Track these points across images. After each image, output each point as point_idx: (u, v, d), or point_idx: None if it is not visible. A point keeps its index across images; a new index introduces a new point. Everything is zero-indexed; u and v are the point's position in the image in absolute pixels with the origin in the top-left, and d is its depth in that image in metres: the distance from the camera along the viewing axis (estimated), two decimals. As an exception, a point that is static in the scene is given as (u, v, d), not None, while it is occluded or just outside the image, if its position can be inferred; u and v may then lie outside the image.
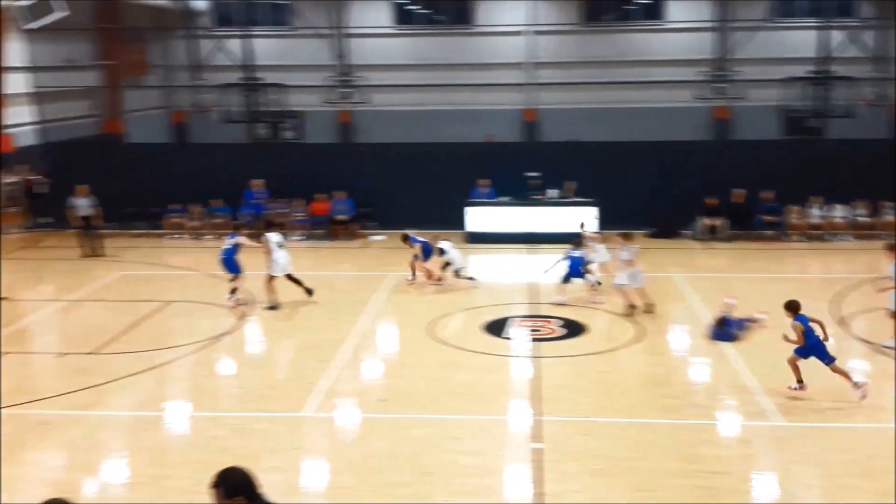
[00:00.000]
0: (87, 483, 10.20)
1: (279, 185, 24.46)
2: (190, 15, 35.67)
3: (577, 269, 17.29)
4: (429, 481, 9.97)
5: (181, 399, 13.03)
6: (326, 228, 24.23)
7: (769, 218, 23.36)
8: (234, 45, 32.78)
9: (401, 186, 24.42)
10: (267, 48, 36.54)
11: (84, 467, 10.57)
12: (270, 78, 32.56)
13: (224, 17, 38.73)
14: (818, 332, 12.08)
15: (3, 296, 18.05)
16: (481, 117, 36.74)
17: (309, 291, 17.47)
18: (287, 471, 10.36)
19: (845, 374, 12.11)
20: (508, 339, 15.28)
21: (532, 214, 23.18)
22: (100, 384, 13.12)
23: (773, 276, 19.82)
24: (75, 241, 22.23)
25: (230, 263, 17.43)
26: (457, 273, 18.73)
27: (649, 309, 16.43)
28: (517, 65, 38.29)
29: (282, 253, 17.21)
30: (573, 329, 15.76)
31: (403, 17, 39.19)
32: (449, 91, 38.10)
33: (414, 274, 18.85)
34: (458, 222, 23.55)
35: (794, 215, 23.34)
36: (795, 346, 12.06)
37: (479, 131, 32.86)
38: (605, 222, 22.66)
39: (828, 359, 12.03)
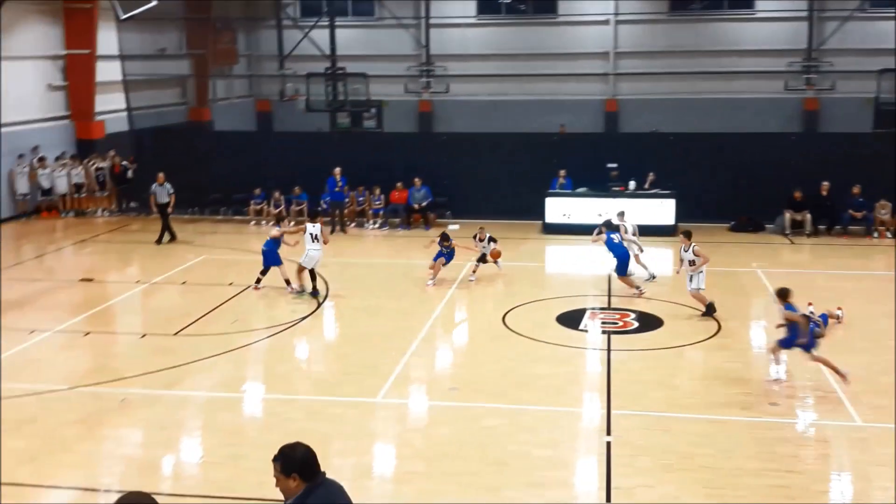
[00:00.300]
0: (164, 461, 10.52)
1: (359, 173, 24.70)
2: (278, 5, 36.23)
3: (624, 259, 17.15)
4: (499, 471, 9.98)
5: (258, 382, 13.32)
6: (403, 217, 24.40)
7: (856, 213, 22.63)
8: (320, 34, 33.17)
9: (479, 176, 24.43)
10: (351, 38, 36.88)
11: (163, 445, 10.89)
12: (353, 68, 32.83)
13: (310, 8, 39.23)
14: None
15: (88, 277, 18.72)
16: (562, 107, 36.43)
17: (314, 293, 17.22)
18: (359, 454, 10.51)
19: (827, 363, 12.15)
20: (583, 331, 15.17)
21: (611, 205, 22.89)
22: (180, 365, 13.48)
23: (859, 273, 19.17)
24: (154, 226, 22.76)
25: (266, 255, 17.50)
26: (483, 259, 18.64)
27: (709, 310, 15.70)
28: (600, 54, 37.84)
29: (315, 246, 17.07)
30: (649, 323, 15.55)
31: (486, 6, 39.10)
32: (529, 81, 37.91)
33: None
34: (535, 213, 23.44)
35: (882, 211, 22.55)
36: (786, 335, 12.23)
37: (558, 122, 32.64)
38: (685, 215, 22.30)
39: (808, 347, 12.17)
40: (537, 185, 23.72)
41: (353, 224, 24.52)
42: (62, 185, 25.87)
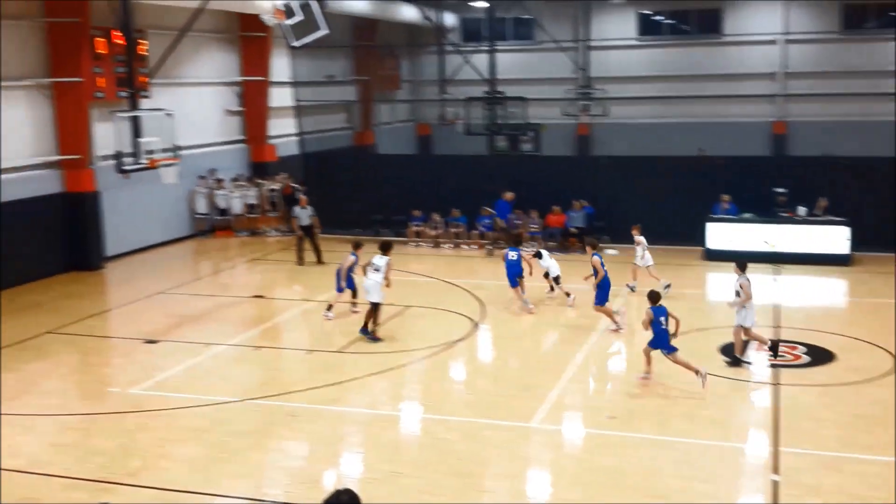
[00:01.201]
0: (326, 475, 10.87)
1: (516, 196, 24.82)
2: (441, 32, 37.09)
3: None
4: (659, 505, 9.76)
5: (416, 401, 13.57)
6: (559, 240, 24.29)
7: None
8: (480, 59, 33.72)
9: (637, 200, 24.02)
10: (510, 62, 37.25)
11: (325, 459, 11.26)
12: (512, 91, 33.16)
13: (471, 34, 39.97)
14: (671, 326, 13.27)
15: (259, 294, 19.61)
16: (725, 130, 35.45)
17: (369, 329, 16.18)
18: (514, 478, 10.52)
19: (686, 365, 12.94)
20: (748, 363, 14.60)
21: (778, 232, 22.03)
22: (342, 381, 13.92)
23: None
24: (296, 247, 23.01)
25: (346, 279, 17.34)
26: (556, 281, 18.53)
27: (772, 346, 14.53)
28: (766, 75, 36.61)
29: (375, 276, 15.94)
30: (819, 356, 14.82)
31: (648, 27, 38.62)
32: (691, 103, 37.10)
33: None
34: (697, 238, 22.84)
35: None
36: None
37: (721, 145, 31.71)
38: (860, 244, 21.17)
39: (668, 349, 13.14)
40: (699, 209, 23.10)
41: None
42: (237, 206, 27.26)
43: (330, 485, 10.63)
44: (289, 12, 20.53)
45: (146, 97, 21.50)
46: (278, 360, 15.68)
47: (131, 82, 17.87)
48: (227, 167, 28.03)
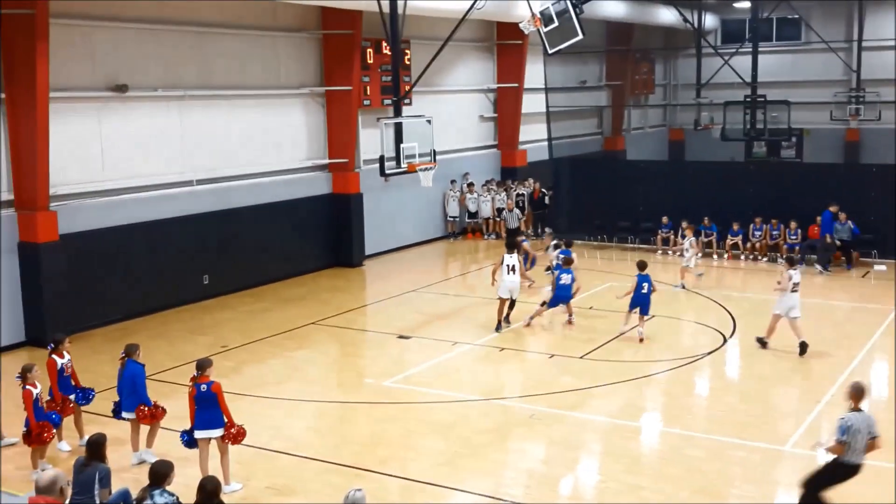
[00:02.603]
0: (564, 480, 10.94)
1: (773, 205, 23.61)
2: (699, 34, 36.02)
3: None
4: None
5: (660, 413, 13.32)
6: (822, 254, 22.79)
7: None
8: (740, 61, 32.44)
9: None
10: (773, 64, 35.53)
11: (564, 464, 11.34)
12: (774, 95, 31.61)
13: (732, 35, 38.52)
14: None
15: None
16: None
17: (500, 325, 17.27)
18: (758, 501, 10.08)
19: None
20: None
21: None
22: (585, 388, 13.93)
23: None
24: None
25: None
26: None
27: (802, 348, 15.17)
28: None
29: (511, 277, 17.08)
30: None
31: (930, 25, 35.37)
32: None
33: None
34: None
35: None
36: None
37: None
38: None
39: (646, 313, 16.37)
40: None
41: (765, 259, 23.51)
42: (486, 209, 27.98)
43: (566, 490, 10.70)
44: (546, 20, 20.76)
45: (408, 104, 22.64)
46: (521, 362, 15.94)
47: (396, 90, 18.83)
48: (479, 171, 28.81)
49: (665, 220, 25.01)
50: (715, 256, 24.03)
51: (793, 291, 15.39)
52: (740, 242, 23.78)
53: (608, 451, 11.76)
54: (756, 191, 24.35)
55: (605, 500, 10.35)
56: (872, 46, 35.08)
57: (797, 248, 22.98)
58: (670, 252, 24.33)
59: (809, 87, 35.94)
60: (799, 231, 23.19)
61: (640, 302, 16.39)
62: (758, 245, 23.66)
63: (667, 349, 15.92)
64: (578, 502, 10.38)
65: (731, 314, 17.98)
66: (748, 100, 30.81)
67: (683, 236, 21.84)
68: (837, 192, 23.12)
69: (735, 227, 23.78)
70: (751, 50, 31.20)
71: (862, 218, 22.50)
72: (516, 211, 23.59)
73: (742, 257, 23.68)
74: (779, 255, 23.29)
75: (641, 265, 16.72)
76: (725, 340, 16.47)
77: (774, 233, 23.54)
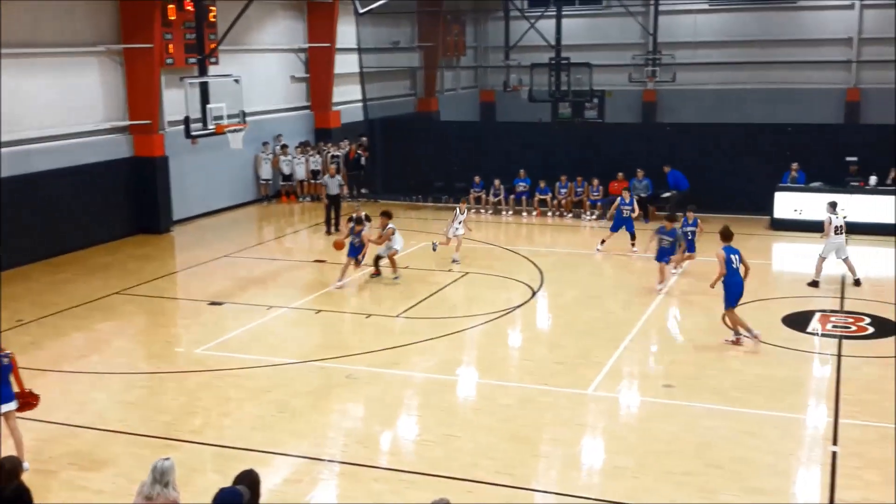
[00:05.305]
0: (384, 436, 11.05)
1: (578, 163, 24.62)
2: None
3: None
4: (717, 474, 9.70)
5: (473, 366, 13.67)
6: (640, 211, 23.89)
7: None
8: (546, 24, 33.37)
9: (704, 168, 23.64)
10: (576, 27, 36.79)
11: (383, 421, 11.45)
12: (577, 57, 32.78)
13: (538, -1, 39.53)
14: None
15: (321, 259, 19.87)
16: (797, 97, 34.56)
17: (377, 273, 18.11)
18: (569, 445, 10.57)
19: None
20: (812, 334, 14.38)
21: (847, 202, 21.45)
22: (401, 346, 14.09)
23: None
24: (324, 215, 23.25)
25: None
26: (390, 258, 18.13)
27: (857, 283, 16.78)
28: (842, 41, 35.50)
29: (397, 237, 17.93)
30: (885, 328, 14.50)
31: (719, -8, 37.70)
32: (762, 69, 36.20)
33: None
34: (764, 208, 22.43)
35: None
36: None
37: (793, 112, 30.94)
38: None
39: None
40: (766, 178, 22.66)
41: (570, 215, 24.50)
42: (301, 172, 27.56)
43: (386, 446, 10.82)
44: (356, -21, 20.55)
45: (214, 63, 21.82)
46: (338, 323, 15.90)
47: (201, 48, 18.11)
48: (292, 133, 28.31)
49: (477, 179, 25.53)
50: (524, 214, 24.81)
51: (836, 234, 16.68)
52: (548, 200, 24.67)
53: (424, 405, 11.97)
54: (562, 150, 25.31)
55: (421, 453, 10.53)
56: (668, 10, 36.98)
57: (599, 203, 24.09)
58: (482, 210, 24.92)
59: (610, 50, 37.44)
60: (601, 188, 24.30)
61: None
62: (563, 202, 24.61)
63: (482, 304, 16.32)
64: (394, 457, 10.51)
65: (539, 268, 18.63)
66: (553, 62, 31.77)
67: (496, 195, 22.33)
68: (637, 151, 24.41)
69: (542, 184, 24.64)
70: (555, 14, 32.12)
71: (659, 174, 23.82)
72: (338, 177, 23.31)
73: (549, 214, 24.56)
74: (582, 210, 24.39)
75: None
76: (534, 293, 17.07)
77: (579, 190, 24.55)
